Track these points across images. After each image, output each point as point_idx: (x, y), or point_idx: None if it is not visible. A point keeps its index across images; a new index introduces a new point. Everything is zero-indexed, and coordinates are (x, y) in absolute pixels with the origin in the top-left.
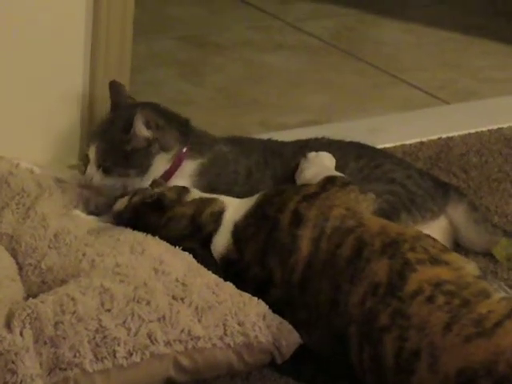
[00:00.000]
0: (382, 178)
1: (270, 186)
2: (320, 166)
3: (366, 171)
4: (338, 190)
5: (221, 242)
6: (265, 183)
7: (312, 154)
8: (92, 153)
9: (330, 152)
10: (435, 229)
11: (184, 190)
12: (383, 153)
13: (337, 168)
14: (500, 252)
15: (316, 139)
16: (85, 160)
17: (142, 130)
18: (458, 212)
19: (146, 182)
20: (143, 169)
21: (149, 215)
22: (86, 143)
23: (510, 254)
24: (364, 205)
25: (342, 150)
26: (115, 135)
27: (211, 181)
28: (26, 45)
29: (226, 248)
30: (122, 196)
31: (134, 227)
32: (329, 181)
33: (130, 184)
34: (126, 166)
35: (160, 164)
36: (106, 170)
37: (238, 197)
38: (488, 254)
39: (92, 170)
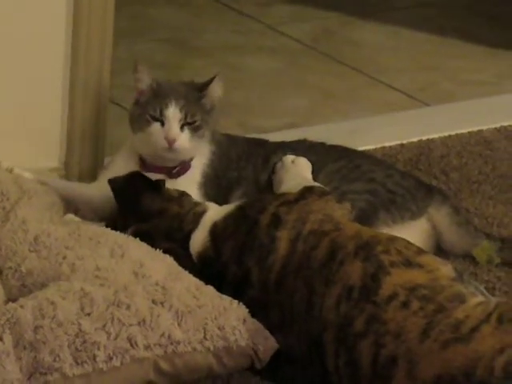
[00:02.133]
0: (361, 177)
1: (250, 178)
2: (297, 175)
3: (344, 171)
4: (316, 198)
5: (198, 239)
6: (247, 173)
7: (288, 160)
8: (173, 111)
9: (310, 154)
10: (415, 230)
11: (185, 193)
12: (364, 155)
13: (316, 168)
14: (481, 254)
15: (298, 141)
16: (145, 123)
17: (218, 89)
18: (440, 214)
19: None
20: (211, 132)
21: (142, 192)
22: (159, 102)
23: (491, 256)
24: (340, 213)
25: (323, 152)
26: (194, 93)
27: (216, 163)
28: (3, 49)
29: (203, 245)
30: None
31: (122, 200)
32: (307, 190)
33: (192, 153)
34: (207, 126)
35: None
36: (195, 129)
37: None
38: (468, 256)
39: (175, 130)
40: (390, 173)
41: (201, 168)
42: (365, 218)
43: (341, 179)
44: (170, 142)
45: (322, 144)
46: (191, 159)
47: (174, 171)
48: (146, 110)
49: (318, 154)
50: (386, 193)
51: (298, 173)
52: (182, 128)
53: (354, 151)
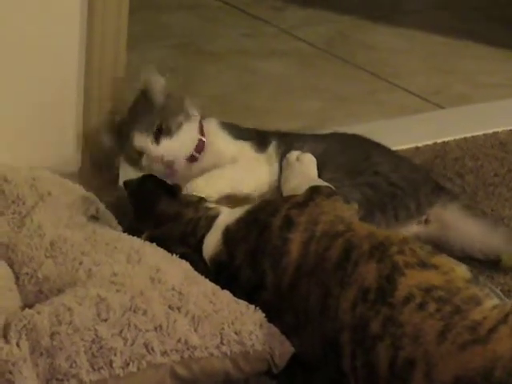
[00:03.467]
0: (367, 170)
1: None
2: (301, 173)
3: (353, 163)
4: (323, 199)
5: (211, 243)
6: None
7: (292, 157)
8: (138, 140)
9: (321, 144)
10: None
11: (202, 198)
12: (379, 145)
13: (327, 157)
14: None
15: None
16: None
17: (153, 82)
18: (449, 210)
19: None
20: (184, 110)
21: (158, 196)
22: (125, 142)
23: None
24: (348, 213)
25: (340, 141)
26: (144, 105)
27: (233, 129)
28: (20, 54)
29: (216, 249)
30: None
31: (137, 203)
32: (314, 191)
33: (189, 139)
34: (173, 117)
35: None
36: (167, 131)
37: None
38: (484, 261)
39: (154, 149)
40: (398, 164)
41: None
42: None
43: (347, 172)
44: (161, 161)
45: (336, 133)
46: (199, 140)
47: (194, 151)
48: (129, 156)
49: (334, 142)
50: (387, 186)
51: (301, 170)
52: (159, 142)
53: (371, 142)
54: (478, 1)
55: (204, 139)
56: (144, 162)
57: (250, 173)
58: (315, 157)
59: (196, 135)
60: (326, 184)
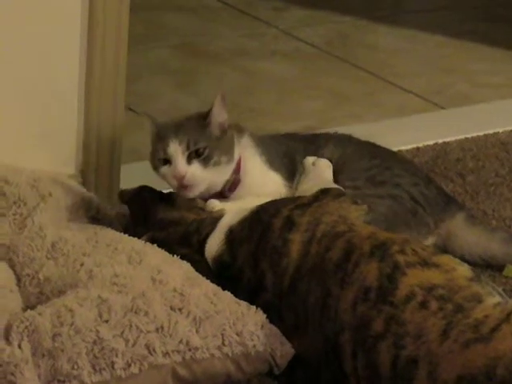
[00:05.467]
0: (388, 181)
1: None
2: (316, 177)
3: (373, 171)
4: (330, 200)
5: (214, 243)
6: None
7: (308, 162)
8: (174, 148)
9: (345, 148)
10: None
11: (202, 203)
12: (397, 157)
13: (348, 163)
14: None
15: (336, 134)
16: (157, 163)
17: (221, 112)
18: (455, 219)
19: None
20: (231, 154)
21: (154, 206)
22: (162, 143)
23: None
24: (355, 214)
25: (359, 147)
26: (199, 123)
27: (265, 151)
28: (21, 56)
29: (219, 250)
30: None
31: (134, 212)
32: (322, 192)
33: (218, 180)
34: (220, 152)
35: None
36: (206, 159)
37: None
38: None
39: (181, 166)
40: (416, 181)
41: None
42: (385, 223)
43: (367, 179)
44: (179, 179)
45: (359, 140)
46: (236, 175)
47: (226, 190)
48: (155, 156)
49: (355, 148)
50: (409, 200)
51: (317, 175)
52: (190, 162)
53: (387, 150)
54: (479, 1)
55: (239, 178)
56: (163, 170)
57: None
58: (333, 161)
59: (228, 176)
60: (336, 186)
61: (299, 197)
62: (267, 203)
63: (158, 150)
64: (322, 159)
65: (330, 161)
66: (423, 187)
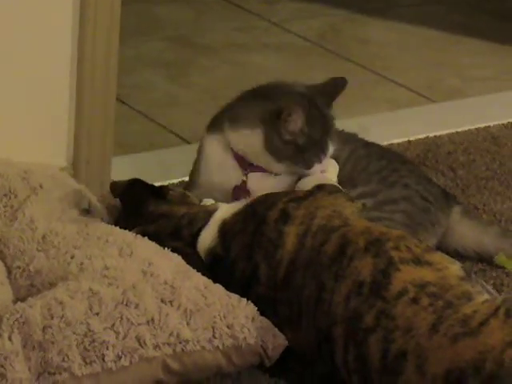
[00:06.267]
0: (398, 182)
1: None
2: (318, 174)
3: (384, 173)
4: (325, 194)
5: (208, 236)
6: None
7: None
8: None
9: (354, 147)
10: None
11: (192, 197)
12: (398, 155)
13: (359, 164)
14: (505, 260)
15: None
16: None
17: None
18: (452, 215)
19: None
20: None
21: (146, 199)
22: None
23: None
24: (349, 210)
25: (366, 147)
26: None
27: None
28: (10, 47)
29: (212, 242)
30: None
31: (126, 205)
32: (318, 188)
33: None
34: None
35: None
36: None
37: None
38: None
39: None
40: (420, 180)
41: None
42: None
43: (379, 181)
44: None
45: (368, 142)
46: None
47: None
48: (305, 154)
49: (363, 148)
50: (420, 200)
51: (318, 172)
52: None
53: (391, 152)
54: None
55: None
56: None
57: None
58: (341, 159)
59: None
60: (334, 183)
61: (294, 191)
62: (261, 196)
63: (312, 153)
64: (330, 159)
65: (337, 158)
66: (427, 185)
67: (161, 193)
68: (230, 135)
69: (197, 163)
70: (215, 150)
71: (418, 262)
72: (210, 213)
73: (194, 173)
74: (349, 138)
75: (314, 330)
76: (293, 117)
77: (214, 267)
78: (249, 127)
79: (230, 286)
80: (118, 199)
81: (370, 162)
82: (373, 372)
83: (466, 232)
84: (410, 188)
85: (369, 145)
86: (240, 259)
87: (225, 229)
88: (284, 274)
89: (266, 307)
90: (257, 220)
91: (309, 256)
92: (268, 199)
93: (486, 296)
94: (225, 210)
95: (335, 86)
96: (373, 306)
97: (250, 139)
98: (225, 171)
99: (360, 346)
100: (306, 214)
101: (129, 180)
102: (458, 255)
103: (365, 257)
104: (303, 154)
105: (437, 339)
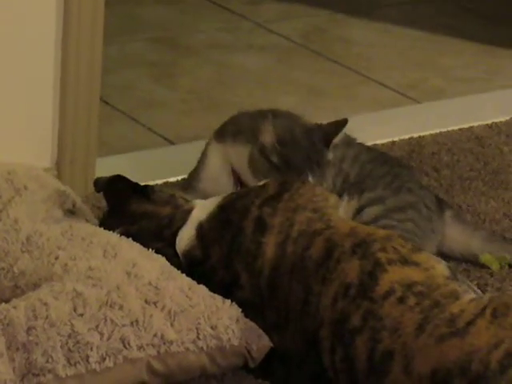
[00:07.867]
0: (401, 187)
1: None
2: None
3: (388, 178)
4: (299, 186)
5: (185, 236)
6: None
7: None
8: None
9: (356, 151)
10: None
11: (176, 195)
12: (395, 160)
13: (363, 168)
14: (491, 260)
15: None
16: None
17: None
18: (443, 215)
19: None
20: None
21: (129, 197)
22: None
23: (502, 258)
24: (328, 204)
25: (368, 152)
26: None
27: None
28: None
29: (190, 244)
30: None
31: (109, 202)
32: (287, 181)
33: None
34: None
35: None
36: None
37: None
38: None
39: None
40: (419, 184)
41: None
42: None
43: (385, 187)
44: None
45: (367, 146)
46: None
47: None
48: (279, 176)
49: (365, 152)
50: (424, 206)
51: None
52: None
53: (388, 155)
54: None
55: None
56: None
57: None
58: (345, 162)
59: None
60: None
61: (263, 186)
62: (233, 196)
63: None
64: None
65: (343, 160)
66: (423, 189)
67: (144, 192)
68: (229, 150)
69: (198, 168)
70: (216, 162)
71: (404, 262)
72: (187, 212)
73: (195, 177)
74: (351, 142)
75: (302, 333)
76: (262, 129)
77: (193, 270)
78: (242, 143)
79: (209, 289)
80: (103, 199)
81: (374, 167)
82: (360, 372)
83: (455, 235)
84: (414, 193)
85: (370, 149)
86: (219, 267)
87: (202, 232)
88: (268, 281)
89: (250, 312)
90: (233, 231)
91: (292, 262)
92: (238, 202)
93: (472, 295)
94: (200, 210)
95: (336, 126)
96: (360, 307)
97: (241, 155)
98: (220, 183)
99: (347, 346)
100: (283, 221)
101: (111, 176)
102: (442, 255)
103: (352, 259)
104: (277, 174)
105: (423, 339)
